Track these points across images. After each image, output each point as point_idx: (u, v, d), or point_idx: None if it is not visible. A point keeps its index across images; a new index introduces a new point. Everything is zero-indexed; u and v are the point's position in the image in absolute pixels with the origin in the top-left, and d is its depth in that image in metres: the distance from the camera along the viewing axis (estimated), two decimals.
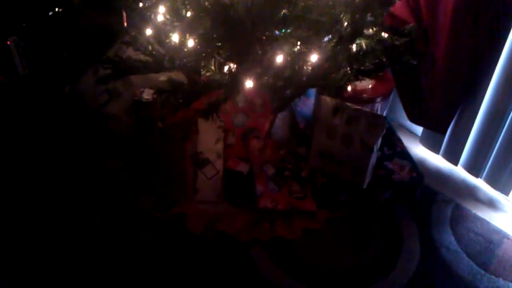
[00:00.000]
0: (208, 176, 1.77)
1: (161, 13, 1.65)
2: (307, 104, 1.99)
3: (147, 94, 1.80)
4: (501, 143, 1.81)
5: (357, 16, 1.61)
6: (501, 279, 1.59)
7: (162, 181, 1.76)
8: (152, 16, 1.69)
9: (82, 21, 2.21)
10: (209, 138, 1.80)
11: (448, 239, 1.71)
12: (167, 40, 1.65)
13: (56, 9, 2.12)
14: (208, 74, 1.54)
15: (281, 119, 1.86)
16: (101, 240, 1.61)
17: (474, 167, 1.93)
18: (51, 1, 2.12)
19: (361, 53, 1.62)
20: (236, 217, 1.70)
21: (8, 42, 2.03)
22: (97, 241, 1.61)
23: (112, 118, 1.87)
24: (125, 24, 1.89)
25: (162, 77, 1.77)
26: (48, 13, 2.10)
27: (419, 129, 2.15)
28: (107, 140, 1.89)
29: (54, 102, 2.07)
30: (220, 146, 1.80)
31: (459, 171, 2.01)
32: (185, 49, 1.58)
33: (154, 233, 1.65)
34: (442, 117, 1.89)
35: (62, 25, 2.12)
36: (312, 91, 1.98)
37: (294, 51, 1.52)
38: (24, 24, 2.05)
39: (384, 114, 1.94)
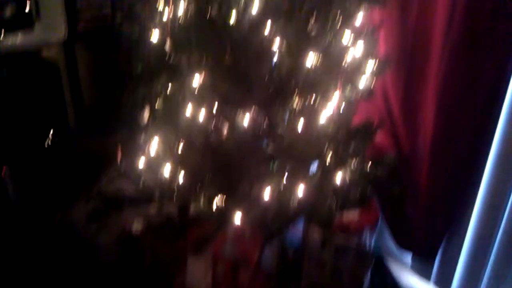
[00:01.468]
0: None
1: (154, 146, 1.76)
2: (295, 231, 2.03)
3: (137, 226, 1.84)
4: (492, 266, 1.83)
5: (340, 147, 1.73)
6: None
7: None
8: (146, 148, 1.79)
9: (77, 148, 2.31)
10: (197, 270, 1.80)
11: None
12: (159, 172, 1.74)
13: (53, 138, 2.24)
14: (197, 207, 1.61)
15: (270, 249, 1.89)
16: None
17: None
18: (48, 131, 2.24)
19: (345, 186, 1.71)
20: None
21: (3, 173, 2.11)
22: None
23: (102, 249, 1.89)
24: (119, 156, 1.99)
25: (152, 209, 1.83)
26: (44, 143, 2.21)
27: (409, 256, 2.17)
28: (96, 271, 1.90)
29: (44, 230, 2.10)
30: (209, 278, 1.80)
31: None
32: (176, 183, 1.66)
33: None
34: (429, 243, 1.93)
35: (57, 154, 2.22)
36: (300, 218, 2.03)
37: (280, 185, 1.60)
38: (19, 154, 2.15)
39: (373, 242, 1.98)
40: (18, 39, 2.09)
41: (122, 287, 1.84)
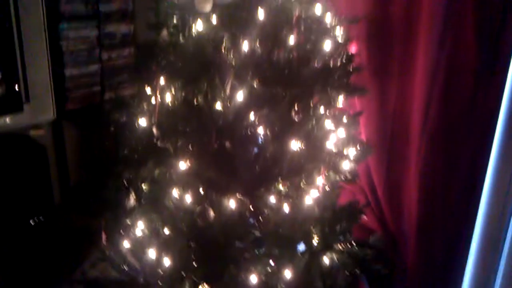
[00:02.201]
0: None
1: (140, 229, 1.78)
2: None
3: None
4: None
5: (327, 229, 1.77)
6: None
7: None
8: (131, 231, 1.81)
9: (61, 228, 2.32)
10: None
11: None
12: (144, 257, 1.75)
13: (37, 217, 2.26)
14: None
15: None
16: None
17: None
18: (33, 211, 2.26)
19: (333, 268, 1.73)
20: None
21: None
22: None
23: None
24: (104, 238, 2.00)
25: None
26: (29, 222, 2.22)
27: None
28: None
29: None
30: None
31: None
32: (161, 268, 1.67)
33: None
34: None
35: (41, 233, 2.23)
36: None
37: (267, 271, 1.62)
38: (3, 231, 2.15)
39: None
40: (7, 120, 2.15)
41: None
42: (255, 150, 1.67)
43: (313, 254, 1.70)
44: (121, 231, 1.79)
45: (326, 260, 1.73)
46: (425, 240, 1.85)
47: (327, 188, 1.74)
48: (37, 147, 2.29)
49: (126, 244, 1.78)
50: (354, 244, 1.81)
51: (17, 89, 2.19)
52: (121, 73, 2.80)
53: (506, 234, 1.75)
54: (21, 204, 2.24)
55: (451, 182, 1.78)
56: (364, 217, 1.90)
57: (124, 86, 2.80)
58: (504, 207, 1.73)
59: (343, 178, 1.78)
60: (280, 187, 1.65)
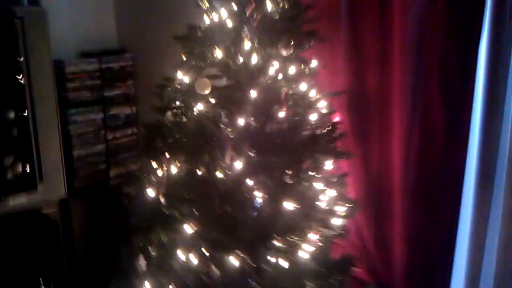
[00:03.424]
0: None
1: None
2: None
3: None
4: None
5: (321, 282, 1.97)
6: None
7: None
8: None
9: None
10: None
11: None
12: None
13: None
14: None
15: None
16: None
17: None
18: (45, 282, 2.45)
19: None
20: None
21: None
22: None
23: None
24: None
25: None
26: None
27: None
28: None
29: None
30: None
31: None
32: None
33: None
34: None
35: None
36: None
37: None
38: None
39: None
40: (23, 199, 2.39)
41: None
42: (254, 211, 1.91)
43: None
44: None
45: None
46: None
47: (320, 244, 1.97)
48: (50, 223, 2.51)
49: None
50: None
51: (32, 171, 2.44)
52: (125, 151, 3.08)
53: (486, 280, 1.96)
54: (34, 277, 2.43)
55: (431, 236, 2.01)
56: (357, 269, 2.12)
57: (128, 162, 3.08)
58: (480, 256, 1.95)
59: (335, 234, 2.01)
60: (277, 244, 1.87)
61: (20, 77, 2.29)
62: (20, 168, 2.45)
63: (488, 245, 1.91)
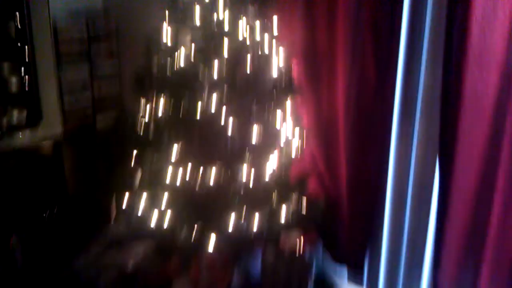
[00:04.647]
0: None
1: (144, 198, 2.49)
2: (256, 261, 2.73)
3: (131, 265, 2.51)
4: (404, 267, 2.64)
5: (283, 191, 2.55)
6: None
7: None
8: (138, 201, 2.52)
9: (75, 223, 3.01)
10: None
11: None
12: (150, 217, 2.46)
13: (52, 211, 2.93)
14: (181, 238, 2.34)
15: (237, 274, 2.57)
16: None
17: None
18: (48, 204, 2.94)
19: (288, 217, 2.51)
20: None
21: (11, 241, 2.74)
22: None
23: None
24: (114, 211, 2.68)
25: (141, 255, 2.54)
26: (44, 214, 2.89)
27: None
28: None
29: (48, 285, 2.70)
30: None
31: None
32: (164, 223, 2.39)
33: None
34: (357, 256, 2.74)
35: (56, 223, 2.90)
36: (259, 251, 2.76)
37: (243, 215, 2.37)
38: (23, 225, 2.81)
39: (315, 260, 2.72)
40: (27, 133, 2.86)
41: None
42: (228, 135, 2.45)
43: (273, 210, 2.47)
44: (130, 203, 2.51)
45: (283, 211, 2.51)
46: (353, 198, 2.66)
47: (282, 162, 2.55)
48: (51, 154, 2.99)
49: (136, 211, 2.48)
50: (305, 200, 2.61)
51: (33, 110, 2.91)
52: (109, 99, 3.56)
53: (407, 189, 2.59)
54: (39, 199, 2.94)
55: (365, 156, 2.60)
56: (312, 185, 2.71)
57: (112, 109, 3.56)
58: (403, 172, 2.57)
59: (293, 155, 2.59)
60: (247, 160, 2.43)
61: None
62: (24, 108, 2.92)
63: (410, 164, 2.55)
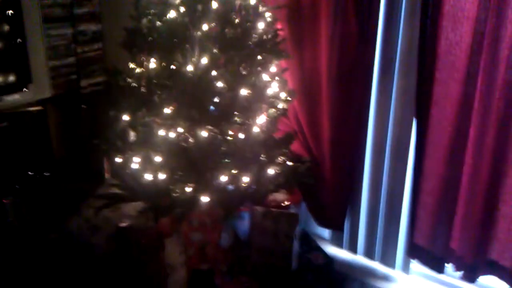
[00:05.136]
0: (175, 278, 2.52)
1: (135, 162, 2.59)
2: (244, 222, 2.89)
3: (124, 224, 2.63)
4: (382, 233, 2.81)
5: (270, 150, 2.68)
6: None
7: (143, 286, 2.49)
8: (129, 163, 2.61)
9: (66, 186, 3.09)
10: (173, 250, 2.59)
11: None
12: (143, 175, 2.56)
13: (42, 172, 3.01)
14: (174, 195, 2.45)
15: (226, 232, 2.72)
16: None
17: (368, 253, 2.90)
18: (39, 167, 3.01)
19: (275, 175, 2.65)
20: None
21: (5, 202, 2.82)
22: None
23: (96, 246, 2.63)
24: (107, 173, 2.77)
25: (133, 213, 2.66)
26: (36, 176, 2.96)
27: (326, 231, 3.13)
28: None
29: (40, 247, 2.79)
30: (182, 257, 2.59)
31: (360, 258, 2.95)
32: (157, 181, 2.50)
33: None
34: (337, 219, 2.91)
35: (48, 185, 2.98)
36: (247, 214, 2.91)
37: (232, 175, 2.50)
38: (17, 186, 2.89)
39: (300, 226, 2.89)
40: (16, 97, 2.91)
41: (116, 274, 2.57)
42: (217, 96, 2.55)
43: (262, 166, 2.61)
44: (122, 162, 2.61)
45: (270, 170, 2.64)
46: (335, 159, 2.81)
47: (268, 122, 2.67)
48: (40, 117, 3.05)
49: (130, 168, 2.58)
50: (290, 160, 2.74)
51: (23, 74, 2.95)
52: (93, 63, 3.60)
53: (385, 147, 2.74)
54: (30, 161, 3.01)
55: (346, 116, 2.74)
56: (296, 146, 2.85)
57: (96, 74, 3.61)
58: (382, 129, 2.73)
59: (278, 115, 2.71)
60: (237, 120, 2.54)
61: None
62: (14, 72, 2.96)
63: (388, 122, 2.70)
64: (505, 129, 2.29)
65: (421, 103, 2.48)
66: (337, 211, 2.92)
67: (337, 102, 2.73)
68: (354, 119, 2.74)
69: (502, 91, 2.23)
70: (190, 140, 2.51)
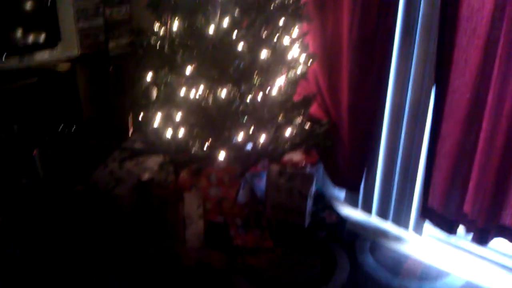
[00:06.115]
0: (193, 230, 2.67)
1: (157, 120, 2.73)
2: (261, 181, 3.01)
3: (146, 177, 2.78)
4: (396, 195, 2.90)
5: (289, 112, 2.78)
6: (407, 281, 2.53)
7: (162, 236, 2.65)
8: (154, 117, 2.75)
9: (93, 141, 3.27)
10: (192, 206, 2.73)
11: (369, 260, 2.65)
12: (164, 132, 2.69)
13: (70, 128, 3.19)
14: (194, 150, 2.58)
15: (243, 189, 2.85)
16: None
17: (382, 214, 3.00)
18: (68, 123, 3.19)
19: (292, 136, 2.75)
20: (217, 254, 2.58)
21: (34, 153, 3.00)
22: None
23: (119, 198, 2.80)
24: (131, 130, 2.92)
25: (155, 167, 2.81)
26: (64, 131, 3.14)
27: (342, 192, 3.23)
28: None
29: (67, 197, 2.98)
30: (200, 210, 2.73)
31: (374, 219, 3.05)
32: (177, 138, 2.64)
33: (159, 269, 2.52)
34: (353, 180, 2.99)
35: (74, 140, 3.16)
36: (264, 173, 3.03)
37: (249, 133, 2.61)
38: (46, 138, 3.07)
39: (315, 186, 2.99)
40: (46, 54, 3.07)
41: (138, 225, 2.73)
42: (238, 57, 2.64)
43: (279, 126, 2.71)
44: (146, 119, 2.75)
45: (287, 131, 2.75)
46: (353, 122, 2.89)
47: (288, 84, 2.76)
48: (69, 75, 3.21)
49: (152, 126, 2.72)
50: (308, 121, 2.84)
51: (53, 32, 3.10)
52: (120, 26, 3.73)
53: (404, 111, 2.80)
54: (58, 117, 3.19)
55: (366, 80, 2.80)
56: (316, 109, 2.94)
57: (123, 36, 3.74)
58: (401, 94, 2.78)
59: (298, 77, 2.79)
60: (255, 81, 2.64)
61: None
62: (44, 30, 3.11)
63: (408, 86, 2.75)
64: None
65: (441, 69, 2.52)
66: (353, 172, 3.01)
67: (357, 66, 2.79)
68: (373, 83, 2.80)
69: None
70: (211, 97, 2.62)
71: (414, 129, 2.77)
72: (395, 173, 2.89)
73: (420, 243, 2.84)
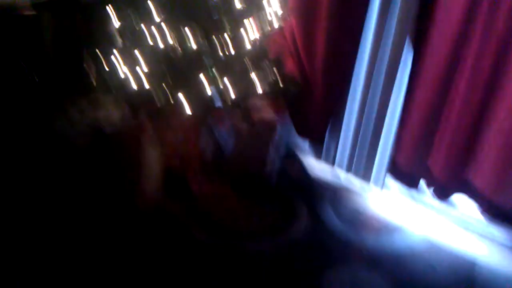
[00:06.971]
0: (150, 175, 2.68)
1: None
2: (224, 128, 2.99)
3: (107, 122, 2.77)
4: (360, 148, 2.95)
5: (258, 63, 2.77)
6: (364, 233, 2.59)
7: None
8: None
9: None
10: (149, 150, 2.73)
11: (328, 211, 2.73)
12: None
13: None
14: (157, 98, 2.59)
15: (204, 135, 2.83)
16: None
17: (345, 165, 3.07)
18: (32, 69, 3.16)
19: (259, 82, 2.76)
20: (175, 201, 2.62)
21: None
22: None
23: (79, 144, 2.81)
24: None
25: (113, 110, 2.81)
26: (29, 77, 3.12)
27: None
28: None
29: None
30: (157, 154, 2.72)
31: (336, 170, 3.11)
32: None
33: None
34: (318, 130, 3.06)
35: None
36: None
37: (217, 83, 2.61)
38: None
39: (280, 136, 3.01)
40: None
41: (97, 170, 2.75)
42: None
43: (247, 78, 2.71)
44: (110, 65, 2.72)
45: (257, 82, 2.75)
46: (327, 73, 2.90)
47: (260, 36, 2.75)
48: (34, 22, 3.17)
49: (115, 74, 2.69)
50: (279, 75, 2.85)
51: None
52: None
53: (379, 67, 2.76)
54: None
55: (344, 33, 2.78)
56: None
57: None
58: (378, 50, 2.74)
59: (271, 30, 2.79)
60: (228, 31, 2.62)
61: None
62: None
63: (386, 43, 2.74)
64: (503, 59, 2.34)
65: (420, 24, 2.52)
66: (319, 123, 3.06)
67: (335, 21, 2.77)
68: (350, 37, 2.78)
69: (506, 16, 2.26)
70: (177, 43, 2.60)
71: (387, 85, 2.77)
72: (360, 127, 2.92)
73: (381, 197, 2.90)
